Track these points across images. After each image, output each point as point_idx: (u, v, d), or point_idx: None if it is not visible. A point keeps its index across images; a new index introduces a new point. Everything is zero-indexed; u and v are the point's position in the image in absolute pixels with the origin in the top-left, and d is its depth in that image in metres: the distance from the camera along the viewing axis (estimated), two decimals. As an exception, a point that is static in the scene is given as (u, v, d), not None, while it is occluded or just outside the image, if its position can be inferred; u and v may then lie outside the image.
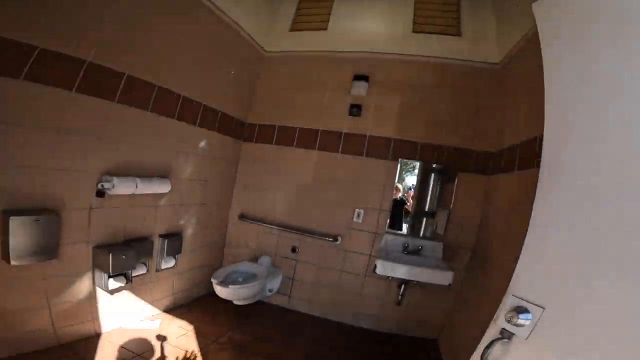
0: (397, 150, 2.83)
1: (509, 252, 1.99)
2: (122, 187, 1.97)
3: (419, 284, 2.54)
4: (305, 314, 3.00)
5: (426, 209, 2.89)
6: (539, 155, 0.97)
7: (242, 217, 3.13)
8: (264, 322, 2.76)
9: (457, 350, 2.28)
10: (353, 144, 2.92)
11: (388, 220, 2.82)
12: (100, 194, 1.95)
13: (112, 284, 2.06)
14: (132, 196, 2.12)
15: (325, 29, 3.07)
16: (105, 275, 2.02)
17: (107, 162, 2.00)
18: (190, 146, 2.58)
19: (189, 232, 2.70)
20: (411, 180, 2.90)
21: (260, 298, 3.02)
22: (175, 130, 2.40)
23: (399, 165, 2.81)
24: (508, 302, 0.90)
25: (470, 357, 0.99)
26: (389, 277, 2.47)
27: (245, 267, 2.91)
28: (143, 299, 2.43)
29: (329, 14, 3.08)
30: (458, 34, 2.81)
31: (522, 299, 0.87)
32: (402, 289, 2.66)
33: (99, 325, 2.14)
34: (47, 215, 1.70)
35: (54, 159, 1.75)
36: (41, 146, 1.69)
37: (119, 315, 2.25)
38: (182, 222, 2.61)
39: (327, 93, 3.02)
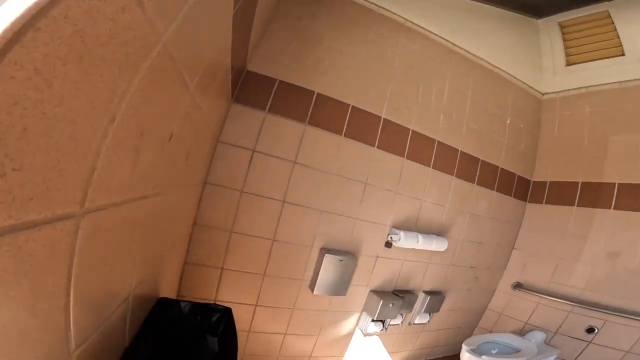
0: None
1: None
2: (406, 241, 1.97)
3: None
4: None
5: None
6: None
7: (518, 286, 2.58)
8: None
9: None
10: None
11: None
12: (388, 244, 2.01)
13: (371, 328, 2.11)
14: (412, 250, 2.11)
15: (622, 54, 2.18)
16: (369, 319, 2.08)
17: (396, 215, 2.05)
18: (469, 205, 2.37)
19: (451, 293, 2.47)
20: None
21: None
22: (454, 186, 2.26)
23: None
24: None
25: None
26: None
27: (507, 339, 2.38)
28: (385, 347, 2.37)
29: (617, 37, 2.17)
30: None
31: None
32: None
33: None
34: (349, 257, 1.87)
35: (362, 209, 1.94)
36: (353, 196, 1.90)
37: (359, 357, 2.27)
38: (447, 281, 2.41)
39: None
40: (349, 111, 1.85)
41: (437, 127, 2.15)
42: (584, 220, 2.32)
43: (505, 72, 2.44)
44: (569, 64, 2.49)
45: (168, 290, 1.37)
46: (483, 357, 2.08)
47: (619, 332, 2.09)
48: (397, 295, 2.14)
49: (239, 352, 1.85)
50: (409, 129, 2.04)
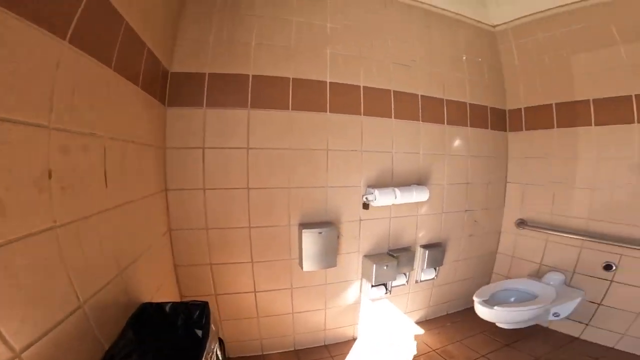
0: None
1: None
2: (383, 198, 1.95)
3: None
4: (609, 348, 2.06)
5: None
6: None
7: (522, 223, 2.49)
8: (535, 352, 2.07)
9: None
10: None
11: None
12: (365, 206, 2.00)
13: (374, 293, 2.12)
14: (395, 206, 2.10)
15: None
16: (369, 285, 2.09)
17: (368, 174, 2.05)
18: (445, 147, 2.31)
19: (451, 242, 2.43)
20: None
21: (538, 321, 2.34)
22: (424, 131, 2.21)
23: None
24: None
25: None
26: None
27: (524, 284, 2.31)
28: (400, 308, 2.37)
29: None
30: None
31: None
32: None
33: (356, 330, 2.26)
34: (328, 228, 1.88)
35: (331, 176, 1.95)
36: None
37: (375, 323, 2.27)
38: (444, 231, 2.37)
39: (619, 47, 1.96)
40: (291, 84, 1.83)
41: (390, 78, 2.10)
42: (569, 141, 2.25)
43: (449, 10, 2.36)
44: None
45: (162, 294, 1.44)
46: (496, 307, 2.03)
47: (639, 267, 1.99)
48: (392, 256, 2.13)
49: (258, 337, 1.97)
50: (360, 86, 2.01)
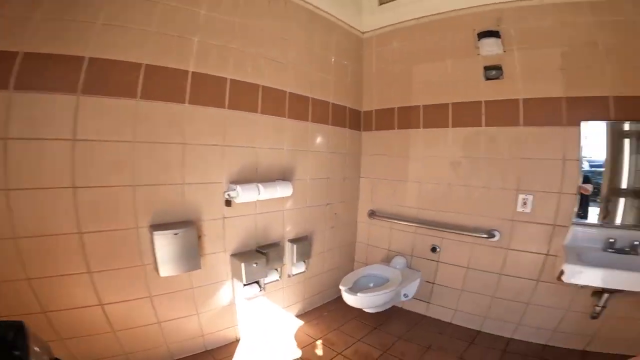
0: (574, 111, 1.99)
1: None
2: (245, 195, 1.91)
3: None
4: (448, 324, 2.49)
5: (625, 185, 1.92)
6: None
7: (372, 214, 2.82)
8: (397, 332, 2.38)
9: None
10: (500, 113, 2.21)
11: (576, 208, 2.00)
12: (228, 203, 1.94)
13: (247, 292, 2.07)
14: (260, 202, 2.08)
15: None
16: (241, 284, 2.03)
17: (230, 169, 1.98)
18: (307, 143, 2.42)
19: (316, 234, 2.55)
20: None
21: (394, 303, 2.67)
22: (289, 128, 2.27)
23: (580, 132, 1.96)
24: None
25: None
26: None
27: (378, 270, 2.58)
28: (278, 304, 2.40)
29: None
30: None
31: None
32: (604, 299, 1.84)
33: (238, 331, 2.20)
34: (186, 228, 1.75)
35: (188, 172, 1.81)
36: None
37: (255, 321, 2.26)
38: (309, 224, 2.47)
39: (449, 61, 2.41)
40: (143, 70, 1.62)
41: (261, 73, 2.08)
42: (404, 141, 2.65)
43: (330, 14, 2.50)
44: (381, 3, 2.73)
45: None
46: (359, 294, 2.19)
47: (455, 249, 2.43)
48: (261, 253, 2.11)
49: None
50: (227, 79, 1.92)
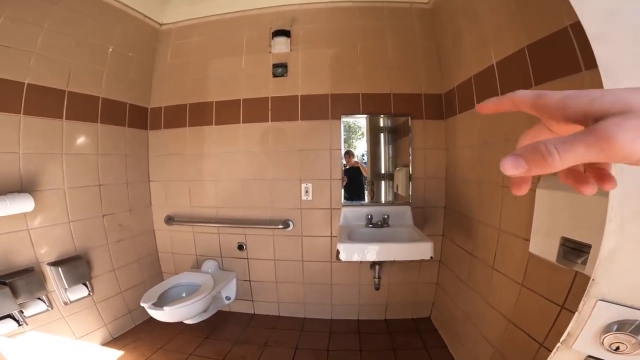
0: (337, 106, 2.29)
1: (488, 203, 1.66)
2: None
3: (394, 261, 2.05)
4: (277, 317, 2.54)
5: (382, 171, 2.33)
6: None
7: (170, 219, 2.57)
8: (231, 337, 2.29)
9: (450, 324, 2.04)
10: (284, 108, 2.35)
11: (343, 191, 2.27)
12: None
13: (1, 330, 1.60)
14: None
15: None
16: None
17: None
18: (60, 146, 2.00)
19: (96, 251, 2.18)
20: (361, 144, 2.33)
21: (219, 308, 2.57)
22: (28, 127, 1.82)
23: (342, 124, 2.27)
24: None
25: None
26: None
27: (187, 278, 2.41)
28: (66, 335, 1.96)
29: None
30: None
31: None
32: (376, 271, 2.14)
33: None
34: None
35: None
36: None
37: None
38: (80, 241, 2.08)
39: (243, 57, 2.44)
40: None
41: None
42: (197, 138, 2.53)
43: (121, 2, 2.20)
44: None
45: None
46: (165, 308, 1.96)
47: (260, 244, 2.46)
48: (2, 283, 1.68)
49: None
50: None
